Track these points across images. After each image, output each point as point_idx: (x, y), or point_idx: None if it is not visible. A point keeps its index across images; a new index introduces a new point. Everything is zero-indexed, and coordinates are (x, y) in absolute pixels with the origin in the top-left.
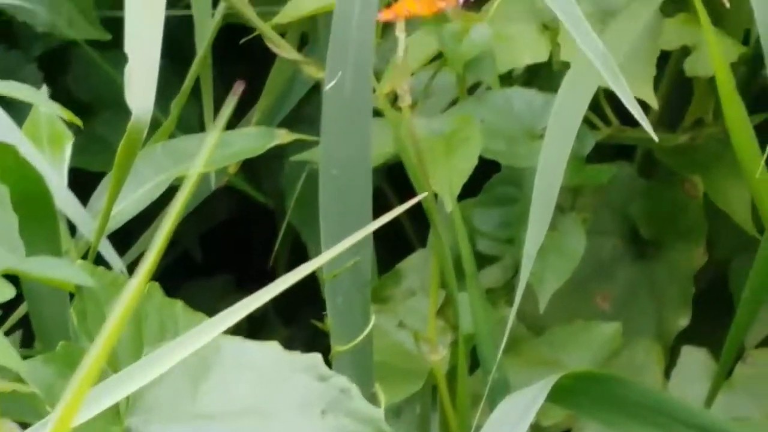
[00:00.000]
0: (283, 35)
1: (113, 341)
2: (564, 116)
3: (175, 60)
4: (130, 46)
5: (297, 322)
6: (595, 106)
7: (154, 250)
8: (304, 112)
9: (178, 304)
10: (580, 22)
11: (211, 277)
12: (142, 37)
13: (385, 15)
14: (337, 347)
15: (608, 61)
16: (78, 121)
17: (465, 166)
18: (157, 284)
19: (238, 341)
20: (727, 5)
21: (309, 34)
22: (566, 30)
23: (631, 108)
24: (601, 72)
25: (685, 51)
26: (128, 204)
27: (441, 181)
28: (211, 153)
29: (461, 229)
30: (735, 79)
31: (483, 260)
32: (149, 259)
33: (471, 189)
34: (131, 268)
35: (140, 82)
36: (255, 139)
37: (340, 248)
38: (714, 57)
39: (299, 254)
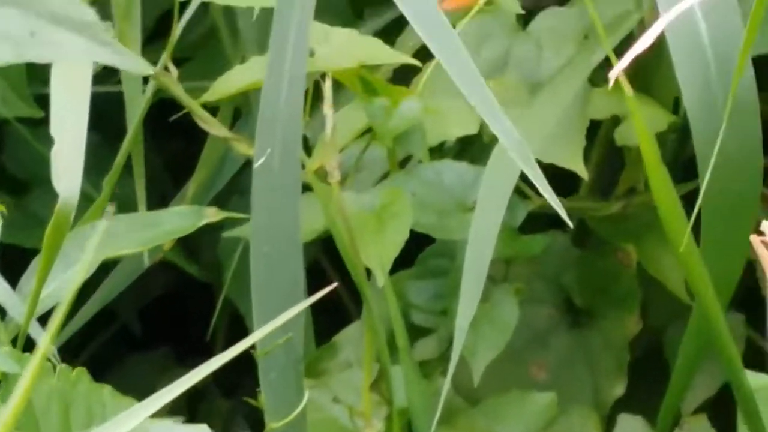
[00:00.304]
0: (216, 108)
1: (14, 421)
2: (494, 188)
3: (107, 135)
4: (55, 128)
5: (238, 393)
6: (527, 176)
7: (50, 332)
8: (240, 183)
9: (106, 389)
10: (495, 110)
11: (151, 350)
12: (68, 119)
13: (448, 3)
14: (271, 424)
15: (523, 149)
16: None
17: (396, 241)
18: (84, 369)
19: (168, 424)
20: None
21: (242, 108)
22: None
23: (545, 193)
24: (516, 159)
25: (616, 120)
26: (58, 286)
27: (372, 256)
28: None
29: (393, 305)
30: (666, 146)
31: (418, 331)
32: (45, 341)
33: (407, 258)
34: (63, 349)
35: (66, 165)
36: (185, 218)
37: (272, 326)
38: (639, 130)
39: (238, 326)
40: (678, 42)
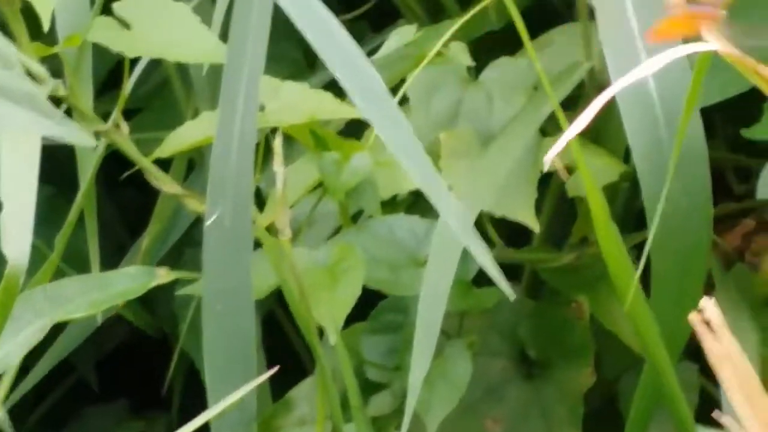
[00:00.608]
0: (171, 158)
1: None
2: (446, 242)
3: (62, 186)
4: (5, 193)
5: None
6: (479, 228)
7: None
8: (195, 235)
9: None
10: (435, 181)
11: (108, 402)
12: (18, 184)
13: (655, 36)
14: None
15: (464, 221)
16: None
17: (348, 297)
18: None
19: None
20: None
21: (196, 159)
22: (447, 156)
23: (488, 269)
24: (455, 229)
25: (568, 170)
26: (9, 350)
27: (324, 314)
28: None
29: (346, 364)
30: (618, 196)
31: (373, 386)
32: None
33: (361, 309)
34: (20, 402)
35: (16, 228)
36: (136, 279)
37: (227, 402)
38: (586, 184)
39: (194, 378)
40: (626, 96)
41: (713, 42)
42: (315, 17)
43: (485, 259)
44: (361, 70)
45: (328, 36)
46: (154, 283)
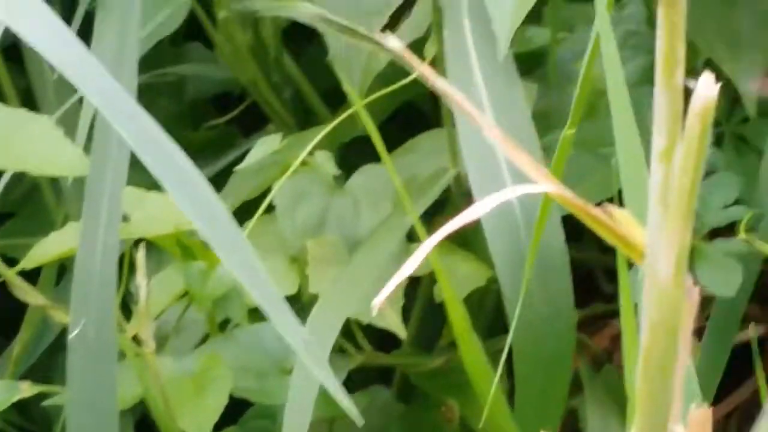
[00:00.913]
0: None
1: None
2: (313, 348)
3: None
4: None
5: None
6: (348, 333)
7: None
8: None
9: None
10: (280, 306)
11: None
12: None
13: None
14: None
15: (314, 350)
16: None
17: (215, 406)
18: None
19: None
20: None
21: (67, 264)
22: (314, 264)
23: (340, 400)
24: (307, 364)
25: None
26: None
27: (190, 423)
28: None
29: None
30: (488, 298)
31: None
32: None
33: (233, 414)
34: None
35: None
36: None
37: None
38: (445, 293)
39: None
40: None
41: (547, 185)
42: (155, 145)
43: (331, 382)
44: (201, 195)
45: (168, 162)
46: (16, 398)
